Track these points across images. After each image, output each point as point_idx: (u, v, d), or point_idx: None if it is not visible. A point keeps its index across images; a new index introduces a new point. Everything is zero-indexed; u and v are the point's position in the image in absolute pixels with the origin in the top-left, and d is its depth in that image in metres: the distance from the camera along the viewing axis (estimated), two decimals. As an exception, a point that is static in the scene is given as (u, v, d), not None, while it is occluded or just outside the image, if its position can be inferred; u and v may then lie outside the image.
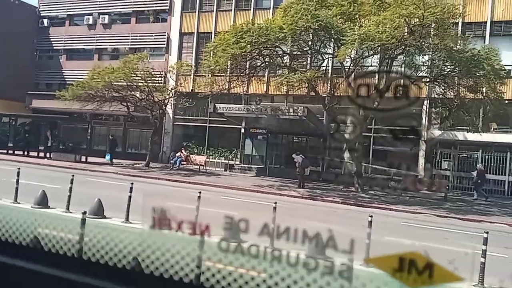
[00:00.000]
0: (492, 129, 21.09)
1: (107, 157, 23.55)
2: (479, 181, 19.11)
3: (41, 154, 25.29)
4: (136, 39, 30.29)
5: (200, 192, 9.31)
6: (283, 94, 23.23)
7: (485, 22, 21.94)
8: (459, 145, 21.81)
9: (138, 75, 23.19)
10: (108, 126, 30.73)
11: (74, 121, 28.36)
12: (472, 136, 19.61)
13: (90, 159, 24.04)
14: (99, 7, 31.75)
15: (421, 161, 21.83)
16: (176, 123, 28.35)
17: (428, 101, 20.80)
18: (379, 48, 17.25)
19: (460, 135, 20.96)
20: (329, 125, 22.35)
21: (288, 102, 23.95)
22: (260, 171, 23.32)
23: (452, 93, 18.87)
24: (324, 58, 20.63)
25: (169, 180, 19.23)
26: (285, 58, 20.50)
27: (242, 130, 25.37)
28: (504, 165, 21.14)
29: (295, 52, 20.44)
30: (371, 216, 7.63)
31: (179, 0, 28.87)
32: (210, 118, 26.36)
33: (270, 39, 17.99)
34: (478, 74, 16.86)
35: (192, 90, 25.63)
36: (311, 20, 17.23)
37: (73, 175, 10.59)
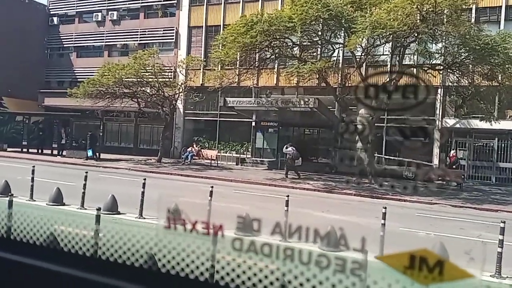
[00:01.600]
0: (508, 117, 20.69)
1: (90, 153, 23.53)
2: (453, 167, 18.86)
3: (55, 152, 25.69)
4: (145, 34, 30.41)
5: (212, 187, 9.37)
6: (293, 86, 23.10)
7: (500, 7, 21.43)
8: (475, 134, 21.46)
9: (148, 70, 23.31)
10: (120, 122, 31.04)
11: (86, 118, 28.70)
12: (488, 124, 19.27)
13: (102, 155, 24.34)
14: (108, 3, 31.93)
15: (436, 150, 21.56)
16: (187, 118, 28.47)
17: (442, 89, 20.49)
18: (391, 36, 16.98)
19: (475, 124, 20.63)
20: (341, 116, 22.18)
21: (298, 94, 23.82)
22: (272, 164, 23.32)
23: (466, 81, 18.54)
24: (335, 48, 20.41)
25: (181, 175, 19.38)
26: (295, 49, 20.35)
27: (253, 124, 25.36)
28: (520, 153, 20.78)
29: (305, 43, 20.27)
30: (385, 208, 7.58)
31: (187, -6, 28.84)
32: (220, 112, 26.39)
33: (279, 29, 17.87)
34: (493, 62, 16.51)
35: (202, 84, 25.67)
36: (321, 9, 17.04)
37: (86, 172, 10.75)
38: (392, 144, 22.15)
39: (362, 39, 17.31)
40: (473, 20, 20.11)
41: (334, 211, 11.64)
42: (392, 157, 20.40)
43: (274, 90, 25.21)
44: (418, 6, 15.87)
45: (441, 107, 21.15)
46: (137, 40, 30.67)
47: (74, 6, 33.63)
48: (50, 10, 34.75)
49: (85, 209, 9.67)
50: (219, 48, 20.55)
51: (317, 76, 19.75)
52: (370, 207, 12.47)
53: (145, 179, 10.08)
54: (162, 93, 23.91)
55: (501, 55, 16.24)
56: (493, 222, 8.94)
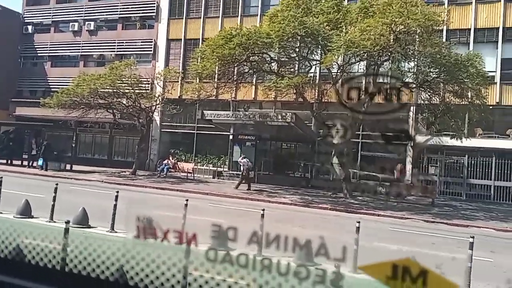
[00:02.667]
0: (477, 135, 21.42)
1: (40, 161, 22.91)
2: (402, 180, 19.47)
3: (25, 163, 24.81)
4: (123, 45, 30.09)
5: (187, 200, 9.20)
6: (271, 101, 23.25)
7: (469, 29, 22.41)
8: (446, 151, 22.08)
9: (124, 81, 22.99)
10: (94, 133, 30.35)
11: (58, 128, 27.89)
12: (458, 142, 19.89)
13: (75, 167, 23.67)
14: (85, 13, 31.51)
15: (409, 166, 22.03)
16: (164, 130, 28.14)
17: (414, 107, 21.04)
18: (365, 54, 17.42)
19: (446, 141, 21.24)
20: (317, 131, 22.42)
21: (276, 109, 23.99)
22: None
23: (437, 99, 19.15)
24: (312, 64, 20.74)
25: (156, 188, 19.03)
26: (273, 64, 20.57)
27: (231, 137, 25.29)
28: (489, 170, 21.48)
29: (282, 59, 20.53)
30: (359, 222, 7.62)
31: (166, 6, 28.84)
32: (198, 125, 26.23)
33: (257, 44, 18.06)
34: (461, 78, 17.14)
35: (179, 96, 25.50)
36: (298, 26, 17.34)
37: (57, 184, 10.38)
38: (367, 159, 22.55)
39: (338, 57, 17.67)
40: (444, 41, 20.90)
41: (309, 226, 11.63)
42: (366, 172, 20.71)
43: (252, 104, 25.31)
44: (391, 27, 16.38)
45: (413, 124, 21.71)
46: (114, 51, 30.29)
47: (50, 15, 33.00)
48: (25, 18, 33.96)
49: (54, 222, 9.31)
50: (197, 61, 20.54)
51: (295, 91, 19.96)
52: (344, 221, 12.54)
53: (118, 192, 9.81)
54: (139, 105, 23.59)
55: (470, 69, 16.93)
56: (463, 237, 9.14)
